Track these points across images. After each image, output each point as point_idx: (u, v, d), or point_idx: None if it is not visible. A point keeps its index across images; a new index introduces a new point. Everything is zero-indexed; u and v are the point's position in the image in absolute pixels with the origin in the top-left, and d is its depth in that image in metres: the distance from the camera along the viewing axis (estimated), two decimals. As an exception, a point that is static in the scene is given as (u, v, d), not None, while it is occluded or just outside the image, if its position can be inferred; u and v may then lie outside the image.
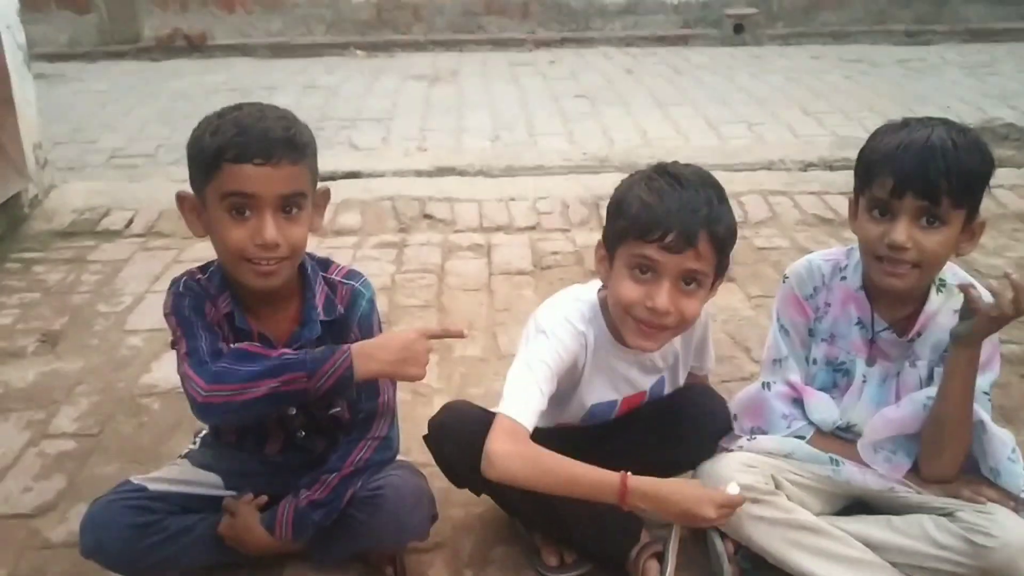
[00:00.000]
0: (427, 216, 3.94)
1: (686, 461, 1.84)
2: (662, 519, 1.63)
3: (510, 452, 1.55)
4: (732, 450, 1.83)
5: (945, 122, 1.67)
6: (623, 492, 1.53)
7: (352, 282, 1.73)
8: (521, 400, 1.60)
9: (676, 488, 1.59)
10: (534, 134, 5.62)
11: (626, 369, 1.78)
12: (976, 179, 1.63)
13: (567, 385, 1.75)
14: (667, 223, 1.52)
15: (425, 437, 1.81)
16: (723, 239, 1.57)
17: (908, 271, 1.66)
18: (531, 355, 1.66)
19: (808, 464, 1.78)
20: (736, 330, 2.91)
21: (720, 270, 1.62)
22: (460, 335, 1.80)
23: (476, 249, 3.63)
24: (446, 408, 1.83)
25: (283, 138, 1.52)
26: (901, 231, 1.63)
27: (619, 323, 1.67)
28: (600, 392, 1.79)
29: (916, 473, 1.77)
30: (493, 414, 1.61)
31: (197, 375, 1.54)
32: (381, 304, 3.06)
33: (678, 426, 1.79)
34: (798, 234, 3.76)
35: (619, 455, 1.62)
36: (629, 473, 1.55)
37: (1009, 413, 2.34)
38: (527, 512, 1.83)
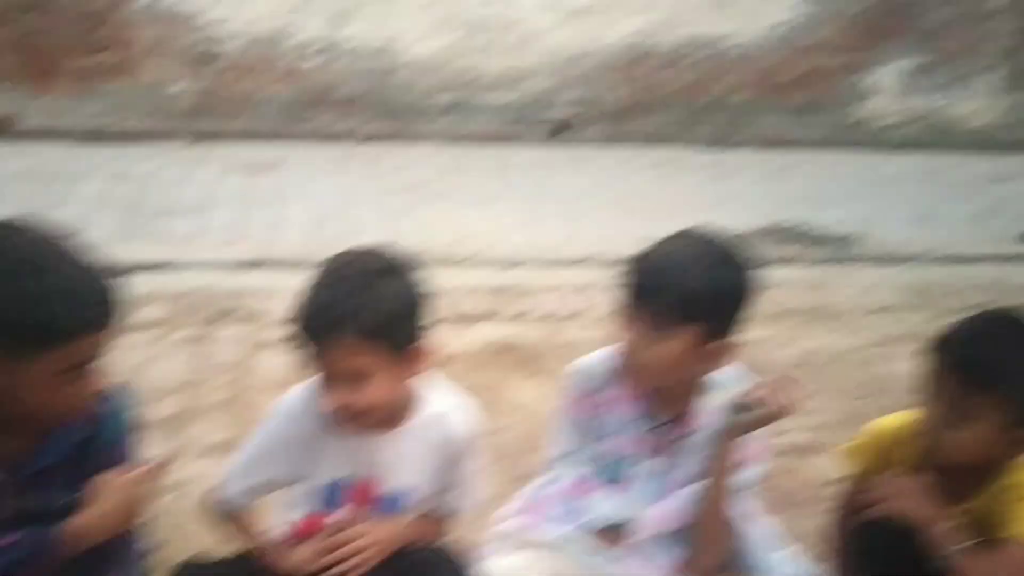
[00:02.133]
0: (236, 310, 3.83)
1: None
2: None
3: None
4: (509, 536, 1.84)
5: (699, 239, 1.80)
6: None
7: (106, 400, 1.63)
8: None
9: None
10: (356, 229, 5.60)
11: (349, 448, 1.80)
12: (700, 298, 1.70)
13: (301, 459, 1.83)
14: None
15: None
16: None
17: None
18: None
19: (587, 559, 1.80)
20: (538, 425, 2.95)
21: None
22: (167, 463, 1.70)
23: (287, 344, 3.55)
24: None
25: None
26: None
27: None
28: (327, 468, 1.82)
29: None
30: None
31: None
32: (179, 402, 2.96)
33: None
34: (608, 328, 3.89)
35: None
36: None
37: (787, 498, 2.48)
38: None
